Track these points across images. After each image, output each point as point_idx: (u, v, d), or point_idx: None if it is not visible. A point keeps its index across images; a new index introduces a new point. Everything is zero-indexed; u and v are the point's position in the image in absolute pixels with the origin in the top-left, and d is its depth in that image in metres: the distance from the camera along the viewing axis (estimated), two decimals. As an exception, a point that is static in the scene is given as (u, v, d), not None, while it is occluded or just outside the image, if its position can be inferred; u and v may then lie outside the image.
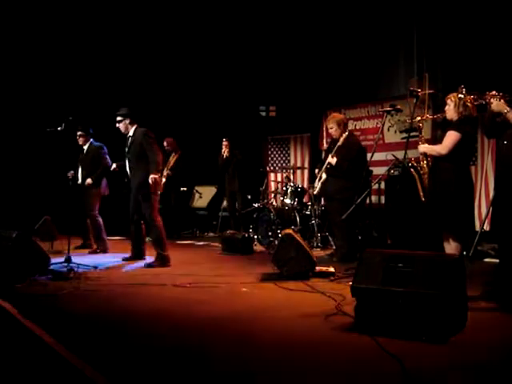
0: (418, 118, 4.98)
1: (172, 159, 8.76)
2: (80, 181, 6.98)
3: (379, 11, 8.58)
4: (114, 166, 7.18)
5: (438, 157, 4.60)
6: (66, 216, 7.20)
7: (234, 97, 10.31)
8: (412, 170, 4.83)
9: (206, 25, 9.79)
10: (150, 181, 5.66)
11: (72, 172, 7.01)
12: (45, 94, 9.47)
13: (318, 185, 6.34)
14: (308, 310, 3.69)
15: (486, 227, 6.30)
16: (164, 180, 8.25)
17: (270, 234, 7.33)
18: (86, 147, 7.11)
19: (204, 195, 9.95)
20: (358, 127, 8.96)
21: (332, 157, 6.12)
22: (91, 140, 7.11)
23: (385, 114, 5.99)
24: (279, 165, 10.28)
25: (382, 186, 7.52)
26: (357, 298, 3.14)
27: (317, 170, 6.48)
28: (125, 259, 6.12)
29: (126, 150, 6.05)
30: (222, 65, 10.12)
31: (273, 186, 9.52)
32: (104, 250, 6.90)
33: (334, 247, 6.58)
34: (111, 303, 4.00)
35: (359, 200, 5.49)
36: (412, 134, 5.02)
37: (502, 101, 4.25)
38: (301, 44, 9.45)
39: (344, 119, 6.47)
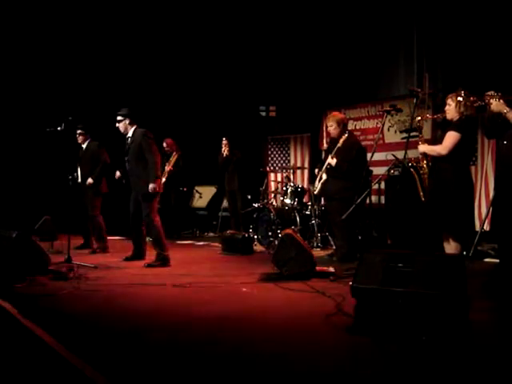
0: (418, 118, 4.99)
1: (173, 159, 8.76)
2: (80, 179, 6.98)
3: (379, 11, 8.58)
4: (118, 174, 7.19)
5: (438, 157, 4.61)
6: (66, 216, 7.21)
7: (234, 97, 10.31)
8: (412, 169, 4.84)
9: (205, 25, 9.79)
10: (149, 190, 5.75)
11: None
12: (45, 94, 9.47)
13: (318, 185, 6.34)
14: (308, 310, 3.69)
15: (486, 227, 6.31)
16: (164, 179, 8.25)
17: (270, 233, 7.32)
18: (85, 145, 7.11)
19: (204, 195, 9.95)
20: (357, 127, 8.97)
21: (332, 158, 6.11)
22: (90, 138, 7.12)
23: (385, 114, 6.00)
24: (279, 165, 10.29)
25: (382, 186, 7.53)
26: (357, 298, 3.14)
27: (317, 170, 6.47)
28: (125, 259, 6.13)
29: (126, 150, 6.06)
30: (222, 65, 10.12)
31: (273, 185, 9.52)
32: (104, 250, 6.91)
33: (334, 247, 6.57)
34: (111, 303, 3.99)
35: (359, 200, 5.50)
36: (412, 133, 5.02)
37: (501, 101, 4.25)
38: (301, 44, 9.45)
39: (344, 119, 6.45)
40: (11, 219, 7.22)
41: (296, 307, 3.83)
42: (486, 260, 5.96)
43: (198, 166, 9.81)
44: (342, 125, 6.26)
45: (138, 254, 6.14)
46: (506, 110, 4.21)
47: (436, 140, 5.01)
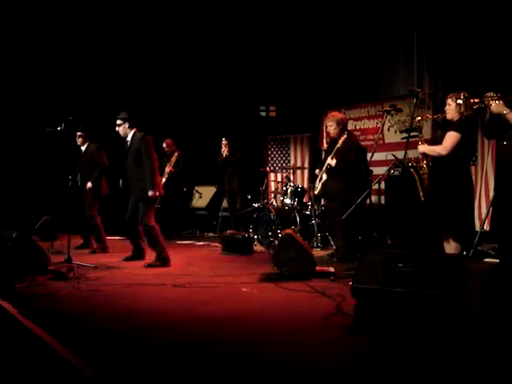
0: (418, 118, 4.99)
1: (173, 159, 8.76)
2: (79, 181, 6.97)
3: (379, 11, 8.59)
4: (121, 183, 7.17)
5: (438, 157, 4.61)
6: (66, 216, 7.20)
7: (234, 97, 10.31)
8: (412, 170, 4.84)
9: (205, 25, 9.80)
10: (149, 196, 5.76)
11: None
12: (45, 94, 9.47)
13: (318, 185, 6.34)
14: (308, 310, 3.69)
15: (486, 227, 6.32)
16: (164, 180, 8.25)
17: (270, 233, 7.32)
18: (84, 147, 7.11)
19: (204, 195, 9.95)
20: (357, 127, 8.98)
21: (331, 158, 6.11)
22: (89, 141, 7.12)
23: (385, 114, 6.00)
24: (279, 165, 10.29)
25: (382, 186, 7.53)
26: (357, 298, 3.13)
27: (317, 171, 6.48)
28: (125, 259, 6.13)
29: (125, 153, 6.07)
30: (222, 65, 10.13)
31: (273, 185, 9.53)
32: (104, 250, 6.91)
33: (334, 247, 6.58)
34: (111, 303, 3.99)
35: (359, 200, 5.50)
36: (412, 134, 5.02)
37: (500, 102, 4.25)
38: (301, 44, 9.46)
39: (344, 119, 6.45)
40: (11, 219, 7.22)
41: (296, 307, 3.82)
42: (486, 260, 5.96)
43: (198, 165, 9.82)
44: (342, 125, 6.25)
45: (138, 254, 6.14)
46: (505, 111, 4.21)
47: (436, 140, 5.01)
